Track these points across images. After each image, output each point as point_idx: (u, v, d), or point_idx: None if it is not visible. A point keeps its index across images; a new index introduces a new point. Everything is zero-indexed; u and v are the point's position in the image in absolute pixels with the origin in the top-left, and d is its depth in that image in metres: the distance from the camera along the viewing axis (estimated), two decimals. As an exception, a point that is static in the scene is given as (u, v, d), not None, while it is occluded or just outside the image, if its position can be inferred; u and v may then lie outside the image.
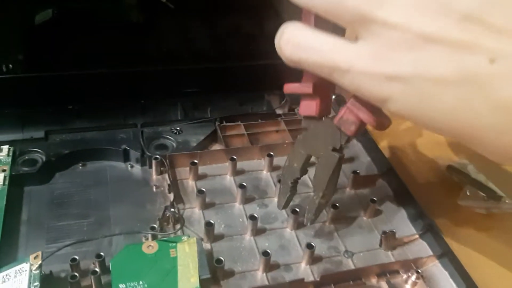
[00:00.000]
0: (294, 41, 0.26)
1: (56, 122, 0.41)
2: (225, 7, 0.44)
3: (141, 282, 0.28)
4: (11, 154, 0.37)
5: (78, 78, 0.43)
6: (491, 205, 0.38)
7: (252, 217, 0.34)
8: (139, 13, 0.44)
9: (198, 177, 0.38)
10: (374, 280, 0.32)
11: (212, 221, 0.33)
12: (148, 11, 0.43)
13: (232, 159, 0.39)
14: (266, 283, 0.31)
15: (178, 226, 0.34)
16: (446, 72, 0.21)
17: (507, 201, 0.37)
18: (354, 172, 0.39)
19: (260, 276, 0.31)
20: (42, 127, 0.40)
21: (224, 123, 0.43)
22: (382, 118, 0.28)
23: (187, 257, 0.30)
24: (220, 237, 0.34)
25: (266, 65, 0.45)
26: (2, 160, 0.37)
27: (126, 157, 0.39)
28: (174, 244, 0.30)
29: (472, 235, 0.36)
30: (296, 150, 0.32)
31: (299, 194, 0.35)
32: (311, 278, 0.31)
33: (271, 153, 0.40)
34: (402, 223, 0.36)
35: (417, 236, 0.35)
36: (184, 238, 0.31)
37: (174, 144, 0.41)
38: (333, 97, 0.43)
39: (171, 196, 0.36)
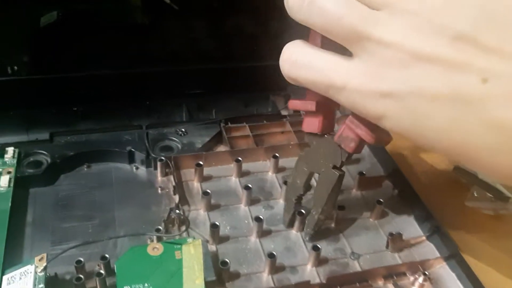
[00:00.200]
0: (291, 59, 0.26)
1: (61, 124, 0.41)
2: (229, 7, 0.44)
3: (146, 284, 0.28)
4: (16, 156, 0.37)
5: (82, 79, 0.43)
6: (499, 206, 0.37)
7: (258, 219, 0.34)
8: (144, 14, 0.44)
9: (203, 179, 0.38)
10: (380, 282, 0.32)
11: (217, 223, 0.33)
12: (152, 12, 0.43)
13: (237, 161, 0.39)
14: (272, 285, 0.31)
15: (183, 228, 0.34)
16: (439, 91, 0.21)
17: (515, 202, 0.37)
18: (360, 173, 0.39)
19: (266, 278, 0.31)
20: (47, 129, 0.40)
21: (229, 124, 0.43)
22: (381, 135, 0.28)
23: (192, 259, 0.29)
24: (225, 239, 0.34)
25: (271, 66, 0.44)
26: (7, 162, 0.37)
27: (131, 159, 0.39)
28: (179, 246, 0.30)
29: (480, 236, 0.36)
30: (299, 167, 0.33)
31: (305, 196, 0.35)
32: (317, 280, 0.31)
33: (277, 154, 0.39)
34: (408, 225, 0.36)
35: (424, 237, 0.35)
36: (189, 240, 0.31)
37: (179, 146, 0.41)
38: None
39: (176, 198, 0.36)
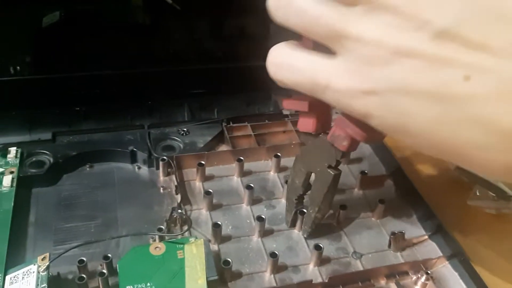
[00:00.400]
0: (276, 61, 0.26)
1: (63, 124, 0.42)
2: (231, 7, 0.44)
3: (148, 284, 0.28)
4: (18, 156, 0.37)
5: (85, 79, 0.43)
6: (501, 205, 0.37)
7: (260, 218, 0.34)
8: (146, 14, 0.44)
9: (205, 178, 0.38)
10: (383, 282, 0.32)
11: (219, 222, 0.33)
12: (154, 13, 0.43)
13: (239, 160, 0.39)
14: (274, 284, 0.31)
15: (185, 228, 0.34)
16: (421, 88, 0.21)
17: (517, 201, 0.37)
18: (362, 172, 0.39)
19: (268, 277, 0.31)
20: (50, 128, 0.40)
21: (231, 124, 0.43)
22: (373, 132, 0.27)
23: (194, 259, 0.29)
24: (227, 238, 0.34)
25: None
26: (10, 162, 0.37)
27: (133, 159, 0.39)
28: (181, 245, 0.30)
29: (482, 235, 0.36)
30: (296, 167, 0.33)
31: (307, 194, 0.35)
32: (319, 280, 0.31)
33: (278, 153, 0.39)
34: (411, 224, 0.36)
35: (426, 237, 0.35)
36: (192, 239, 0.31)
37: (181, 145, 0.41)
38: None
39: (178, 198, 0.36)
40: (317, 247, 0.32)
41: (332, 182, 0.31)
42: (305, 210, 0.34)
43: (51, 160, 0.38)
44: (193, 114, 0.45)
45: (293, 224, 0.35)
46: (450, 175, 0.41)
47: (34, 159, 0.38)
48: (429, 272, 0.32)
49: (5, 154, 0.37)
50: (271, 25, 0.44)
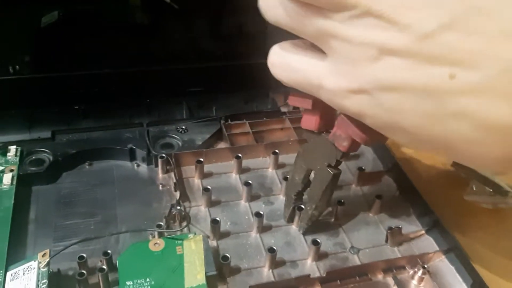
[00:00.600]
0: (274, 60, 0.27)
1: (62, 122, 0.42)
2: (228, 6, 0.44)
3: (148, 279, 0.28)
4: (18, 154, 0.37)
5: (84, 78, 0.43)
6: (498, 200, 0.37)
7: (258, 215, 0.34)
8: (144, 14, 0.44)
9: (204, 175, 0.39)
10: (380, 276, 0.32)
11: (218, 219, 0.33)
12: (152, 12, 0.44)
13: (238, 157, 0.39)
14: (272, 279, 0.31)
15: (184, 224, 0.34)
16: (408, 84, 0.21)
17: (513, 196, 0.37)
18: (360, 168, 0.39)
19: (266, 272, 0.32)
20: (49, 127, 0.41)
21: (229, 122, 0.43)
22: (374, 133, 0.27)
23: (193, 254, 0.30)
24: (226, 234, 0.34)
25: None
26: (10, 160, 0.37)
27: (132, 156, 0.40)
28: (180, 241, 0.30)
29: (479, 230, 0.36)
30: (297, 164, 0.33)
31: (306, 191, 0.35)
32: (317, 274, 0.31)
33: (276, 151, 0.40)
34: (408, 219, 0.36)
35: (423, 231, 0.35)
36: (190, 235, 0.31)
37: (180, 143, 0.41)
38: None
39: (177, 194, 0.36)
40: (315, 242, 0.32)
41: (331, 181, 0.31)
42: (303, 207, 0.34)
43: (51, 158, 0.38)
44: (192, 112, 0.45)
45: (291, 220, 0.35)
46: (447, 170, 0.41)
47: (34, 157, 0.38)
48: (425, 266, 0.32)
49: (5, 152, 0.37)
50: (268, 23, 0.45)
